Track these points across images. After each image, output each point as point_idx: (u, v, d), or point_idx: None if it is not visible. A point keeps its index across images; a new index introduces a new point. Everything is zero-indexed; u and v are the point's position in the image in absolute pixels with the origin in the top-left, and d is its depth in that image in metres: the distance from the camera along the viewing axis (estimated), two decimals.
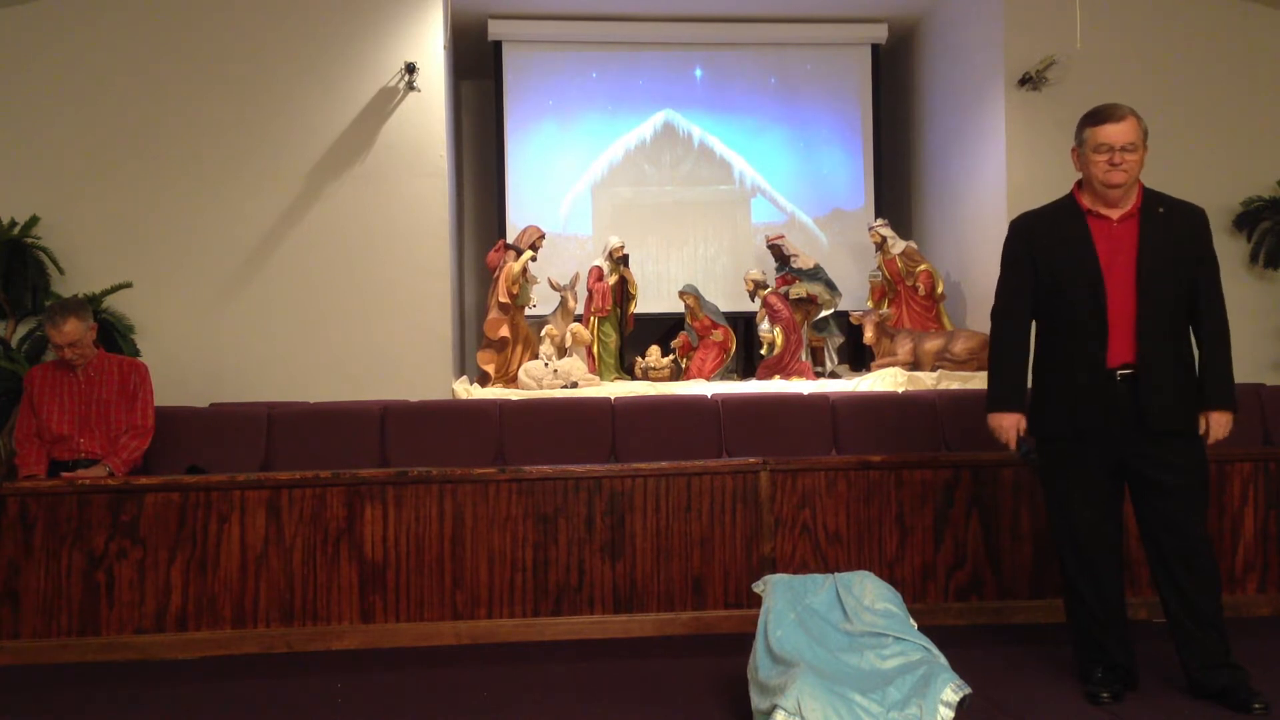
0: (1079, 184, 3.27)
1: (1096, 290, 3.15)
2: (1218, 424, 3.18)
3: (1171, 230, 3.17)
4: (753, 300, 6.85)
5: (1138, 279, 3.12)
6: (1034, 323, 3.36)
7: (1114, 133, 3.12)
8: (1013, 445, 3.31)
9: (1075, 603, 3.28)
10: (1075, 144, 3.22)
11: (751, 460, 4.15)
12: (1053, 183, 6.11)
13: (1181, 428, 3.14)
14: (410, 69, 6.01)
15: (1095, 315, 3.15)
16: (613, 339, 6.68)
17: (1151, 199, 3.22)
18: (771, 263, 7.09)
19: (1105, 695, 3.11)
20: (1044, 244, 3.27)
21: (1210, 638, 3.10)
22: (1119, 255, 3.15)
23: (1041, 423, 3.30)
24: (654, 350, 6.72)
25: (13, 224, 5.73)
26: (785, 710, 2.68)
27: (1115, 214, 3.19)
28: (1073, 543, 3.24)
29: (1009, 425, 3.30)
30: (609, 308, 6.64)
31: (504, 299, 6.31)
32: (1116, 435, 3.15)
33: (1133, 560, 3.90)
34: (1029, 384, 3.36)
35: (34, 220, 5.76)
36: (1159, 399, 3.10)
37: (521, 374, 6.20)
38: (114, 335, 5.63)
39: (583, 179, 7.41)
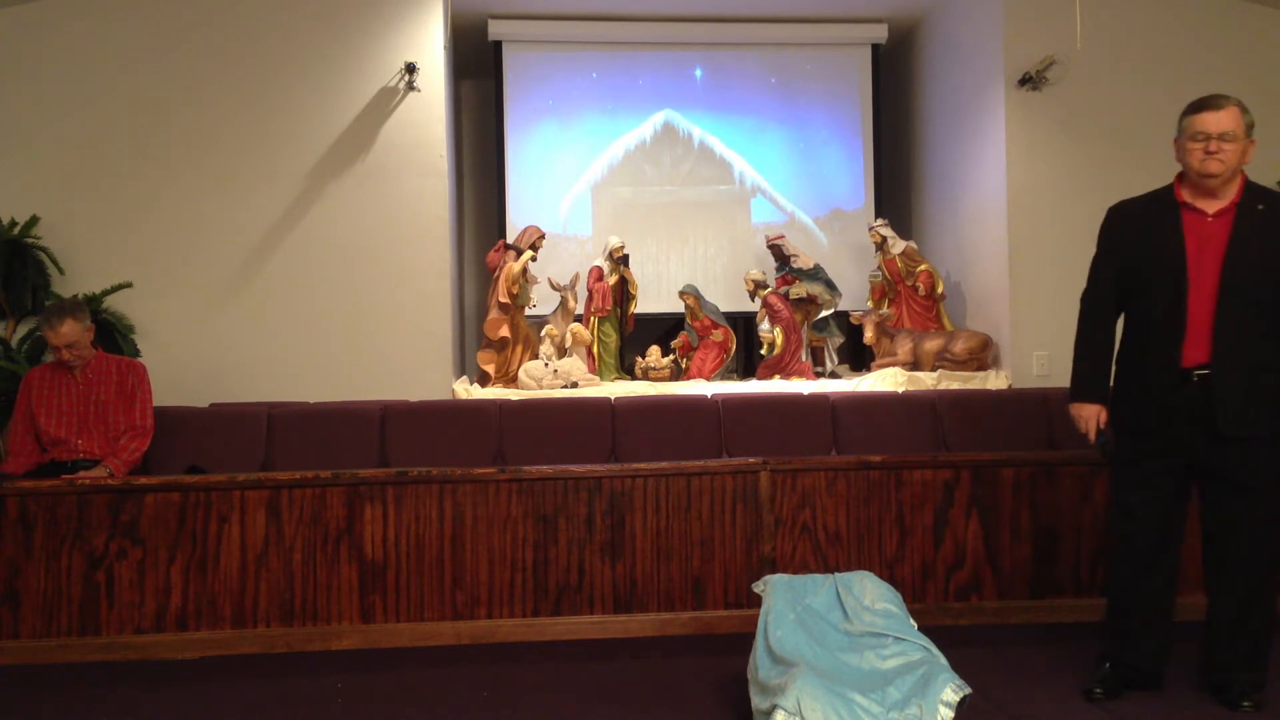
0: (1180, 175, 3.17)
1: (1180, 287, 3.04)
2: None
3: (1270, 229, 3.04)
4: (753, 300, 6.85)
5: (1221, 278, 3.01)
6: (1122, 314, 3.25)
7: (1211, 120, 3.06)
8: (1092, 436, 3.25)
9: (1111, 594, 3.24)
10: (1176, 134, 3.14)
11: (751, 460, 4.15)
12: (1053, 182, 6.19)
13: (1253, 433, 3.02)
14: (410, 69, 6.01)
15: (1175, 312, 3.04)
16: (613, 339, 6.68)
17: (1253, 194, 3.09)
18: (771, 263, 7.08)
19: (1098, 691, 3.11)
20: (1133, 234, 3.18)
21: (1233, 643, 3.06)
22: (1207, 252, 3.04)
23: (1114, 417, 3.23)
24: (654, 350, 6.71)
25: (13, 224, 5.72)
26: (785, 710, 2.68)
27: (1212, 208, 3.08)
28: (1125, 539, 3.18)
29: (1089, 415, 3.23)
30: (609, 308, 6.64)
31: (504, 299, 6.31)
32: (1187, 436, 3.06)
33: None
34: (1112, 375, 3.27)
35: (34, 220, 5.76)
36: (1231, 402, 3.00)
37: (521, 374, 6.19)
38: (114, 335, 5.63)
39: (583, 179, 7.41)
